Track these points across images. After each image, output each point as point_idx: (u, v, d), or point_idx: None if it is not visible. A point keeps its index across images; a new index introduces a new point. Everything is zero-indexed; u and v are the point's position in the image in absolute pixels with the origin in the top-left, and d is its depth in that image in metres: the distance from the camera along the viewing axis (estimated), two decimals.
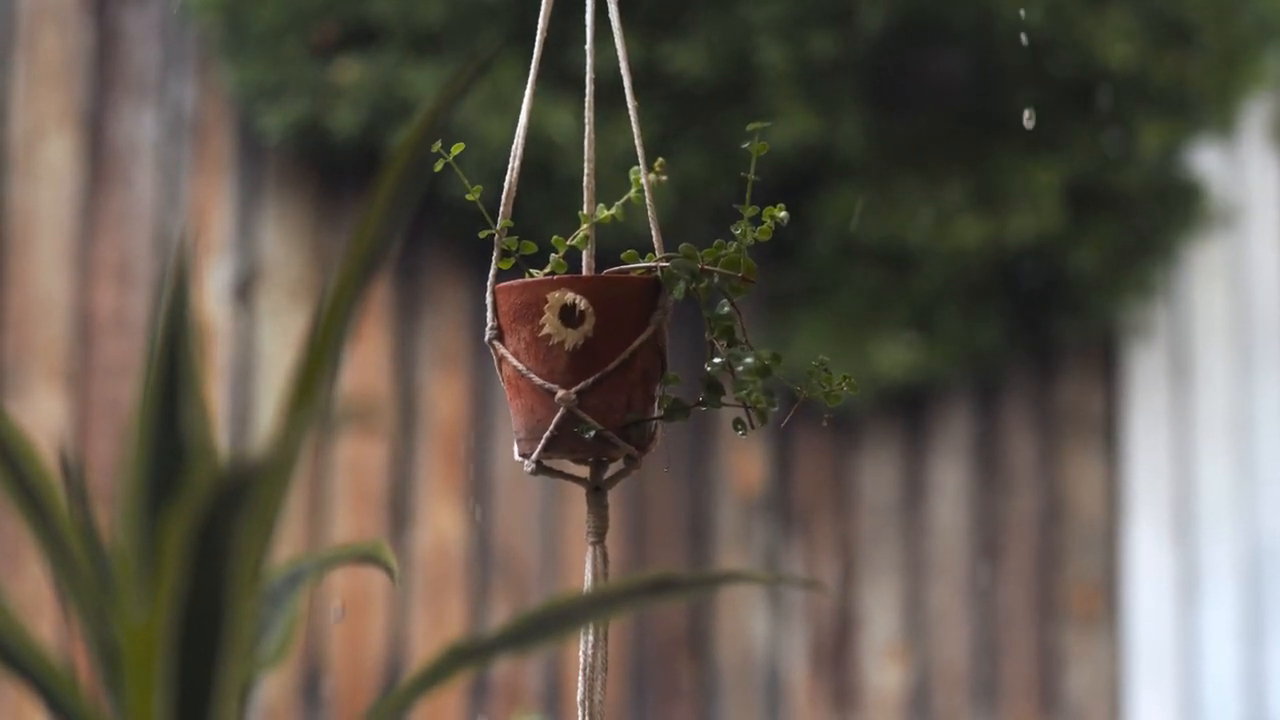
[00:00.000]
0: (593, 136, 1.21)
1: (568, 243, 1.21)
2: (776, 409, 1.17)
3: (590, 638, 1.14)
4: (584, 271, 1.21)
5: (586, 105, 1.21)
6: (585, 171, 1.21)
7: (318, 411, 0.74)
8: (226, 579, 0.70)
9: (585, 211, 1.21)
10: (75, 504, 0.78)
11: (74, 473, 0.78)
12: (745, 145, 1.18)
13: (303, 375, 0.75)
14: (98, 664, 0.75)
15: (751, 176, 1.17)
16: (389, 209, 0.78)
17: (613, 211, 1.20)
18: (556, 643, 0.79)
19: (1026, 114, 3.22)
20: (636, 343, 1.16)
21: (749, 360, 1.17)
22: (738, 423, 1.17)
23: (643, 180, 1.21)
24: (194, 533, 0.69)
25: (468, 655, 0.76)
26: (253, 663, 0.82)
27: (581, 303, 1.15)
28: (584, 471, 1.20)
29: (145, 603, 0.72)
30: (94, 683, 0.77)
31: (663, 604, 0.81)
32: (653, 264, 1.18)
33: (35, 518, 0.76)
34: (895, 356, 3.24)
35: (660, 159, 1.21)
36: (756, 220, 1.18)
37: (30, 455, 0.76)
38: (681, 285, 1.17)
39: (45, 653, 0.75)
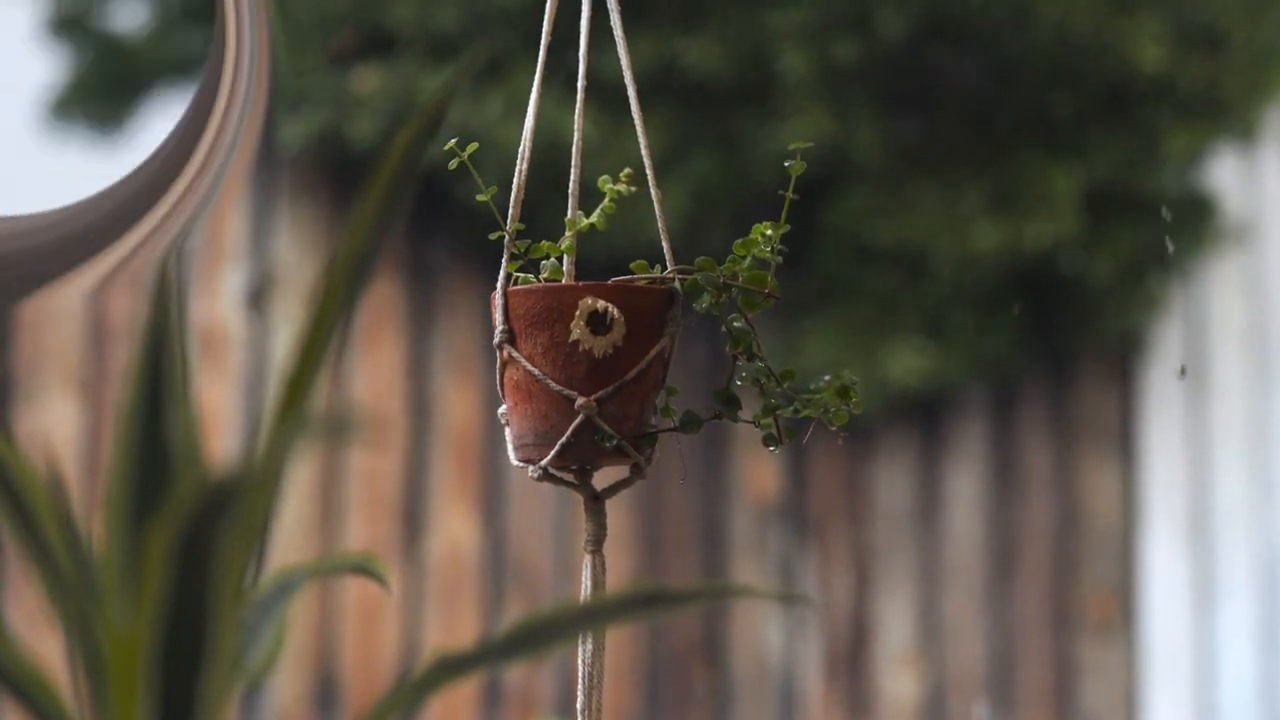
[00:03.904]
0: (581, 143, 1.21)
1: (560, 246, 1.20)
2: (835, 426, 1.18)
3: (589, 647, 1.13)
4: (564, 279, 1.20)
5: (576, 111, 1.20)
6: (571, 178, 1.21)
7: (305, 420, 0.74)
8: (211, 588, 0.69)
9: (569, 217, 1.21)
10: (63, 512, 0.77)
11: (61, 481, 0.78)
12: (786, 163, 1.17)
13: (291, 383, 0.75)
14: (83, 673, 0.75)
15: (789, 195, 1.17)
16: (381, 210, 0.77)
17: (592, 219, 1.20)
18: (547, 654, 0.79)
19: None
20: (653, 352, 1.16)
21: (826, 378, 1.17)
22: (769, 439, 1.17)
23: (653, 193, 1.20)
24: (178, 542, 0.69)
25: (456, 665, 0.76)
26: (238, 672, 0.82)
27: (614, 310, 1.14)
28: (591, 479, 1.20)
29: (129, 611, 0.72)
30: (81, 692, 0.76)
31: (655, 617, 0.80)
32: (663, 275, 1.18)
33: (20, 525, 0.75)
34: (907, 363, 3.22)
35: (627, 169, 1.20)
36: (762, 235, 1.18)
37: (16, 462, 0.76)
38: (706, 297, 1.16)
39: (27, 660, 0.74)
